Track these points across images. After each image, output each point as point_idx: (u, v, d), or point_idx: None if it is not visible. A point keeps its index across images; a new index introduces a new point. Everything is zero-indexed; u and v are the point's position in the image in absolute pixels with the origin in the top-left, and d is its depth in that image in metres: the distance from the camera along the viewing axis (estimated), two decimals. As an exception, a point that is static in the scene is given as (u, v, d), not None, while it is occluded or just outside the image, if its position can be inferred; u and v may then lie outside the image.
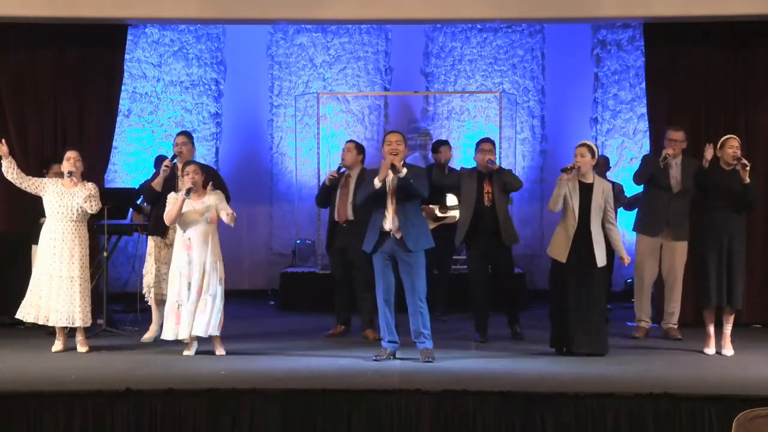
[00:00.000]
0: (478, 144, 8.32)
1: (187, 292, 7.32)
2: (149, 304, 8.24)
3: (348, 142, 8.69)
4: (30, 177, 7.64)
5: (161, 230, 8.02)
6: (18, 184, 7.60)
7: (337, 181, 8.45)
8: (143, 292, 8.23)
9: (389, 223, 7.17)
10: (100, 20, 9.02)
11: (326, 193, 8.53)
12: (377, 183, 7.13)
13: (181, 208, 7.32)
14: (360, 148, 8.55)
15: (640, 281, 8.45)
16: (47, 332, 7.98)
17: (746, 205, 7.68)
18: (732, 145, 7.64)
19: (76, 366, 6.94)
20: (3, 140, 7.56)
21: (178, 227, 7.45)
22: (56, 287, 7.49)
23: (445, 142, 9.88)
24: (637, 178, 8.44)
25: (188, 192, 7.34)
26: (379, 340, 7.62)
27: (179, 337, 7.36)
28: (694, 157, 8.36)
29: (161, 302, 8.07)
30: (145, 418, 5.92)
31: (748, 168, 7.49)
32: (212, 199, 7.48)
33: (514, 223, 8.41)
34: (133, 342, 8.03)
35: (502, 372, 6.82)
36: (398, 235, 7.14)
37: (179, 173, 8.05)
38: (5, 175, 7.57)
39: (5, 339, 8.15)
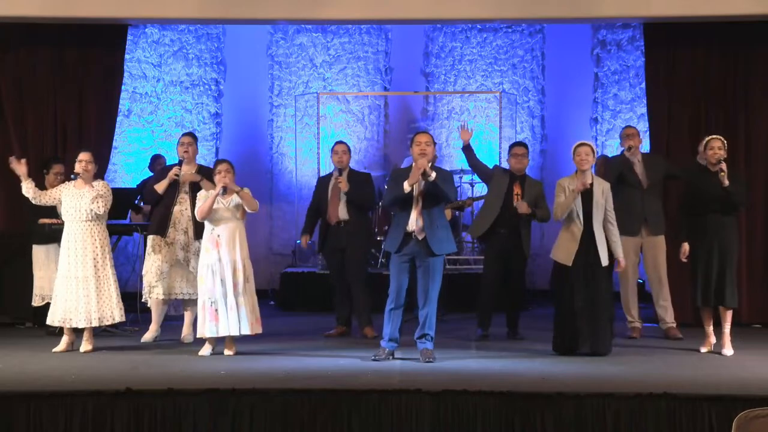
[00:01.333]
0: (511, 148, 8.42)
1: (222, 289, 7.31)
2: (148, 305, 8.24)
3: (341, 143, 8.57)
4: (46, 192, 7.70)
5: (161, 229, 8.02)
6: (37, 202, 7.67)
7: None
8: (144, 291, 8.22)
9: (413, 223, 7.13)
10: (100, 20, 9.02)
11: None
12: (407, 187, 7.07)
13: (212, 204, 7.35)
14: (349, 148, 8.54)
15: (625, 283, 8.42)
16: (47, 332, 8.00)
17: (731, 208, 7.62)
18: (713, 146, 7.58)
19: (76, 366, 6.93)
20: (24, 160, 7.57)
21: (207, 224, 7.46)
22: (74, 288, 7.50)
23: None
24: (608, 179, 8.39)
25: (224, 190, 7.36)
26: (376, 337, 7.63)
27: (220, 335, 7.35)
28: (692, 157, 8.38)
29: (161, 302, 8.08)
30: (145, 418, 5.92)
31: (724, 173, 7.43)
32: (241, 196, 7.50)
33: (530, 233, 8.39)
34: (133, 342, 8.02)
35: (502, 372, 6.82)
36: (421, 236, 7.11)
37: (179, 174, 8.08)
38: (25, 194, 7.63)
39: (5, 339, 8.15)
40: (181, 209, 8.05)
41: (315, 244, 8.83)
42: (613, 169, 8.34)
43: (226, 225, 7.41)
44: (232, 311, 7.30)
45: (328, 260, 8.64)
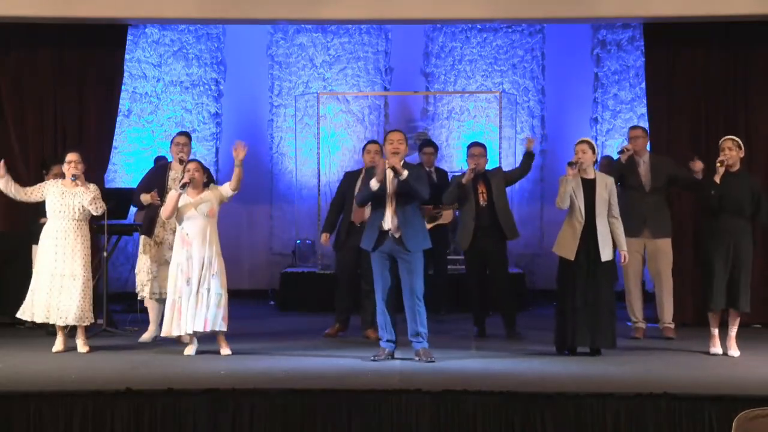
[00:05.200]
0: (468, 148, 8.48)
1: (188, 288, 7.31)
2: (145, 304, 8.24)
3: (374, 143, 8.48)
4: (28, 188, 7.66)
5: (149, 230, 8.03)
6: (20, 199, 7.65)
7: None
8: (137, 290, 8.22)
9: (388, 222, 7.18)
10: (100, 20, 9.02)
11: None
12: (374, 185, 7.15)
13: (176, 203, 7.34)
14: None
15: (628, 283, 8.45)
16: (47, 332, 7.99)
17: (745, 210, 7.57)
18: (723, 148, 7.53)
19: (76, 366, 6.94)
20: (3, 161, 7.53)
21: (176, 223, 7.46)
22: (58, 286, 7.50)
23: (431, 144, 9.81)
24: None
25: (183, 186, 7.35)
26: (378, 339, 7.62)
27: (180, 333, 7.36)
28: (691, 158, 8.37)
29: (158, 301, 8.08)
30: (145, 418, 5.92)
31: (719, 167, 7.44)
32: (209, 194, 7.48)
33: (514, 218, 8.51)
34: (133, 342, 8.02)
35: (502, 372, 6.82)
36: (397, 235, 7.15)
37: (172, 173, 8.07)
38: (4, 192, 7.59)
39: (5, 339, 8.15)
40: (169, 210, 8.04)
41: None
42: (615, 170, 8.34)
43: (193, 222, 7.38)
44: (191, 309, 7.28)
45: (343, 258, 8.48)
